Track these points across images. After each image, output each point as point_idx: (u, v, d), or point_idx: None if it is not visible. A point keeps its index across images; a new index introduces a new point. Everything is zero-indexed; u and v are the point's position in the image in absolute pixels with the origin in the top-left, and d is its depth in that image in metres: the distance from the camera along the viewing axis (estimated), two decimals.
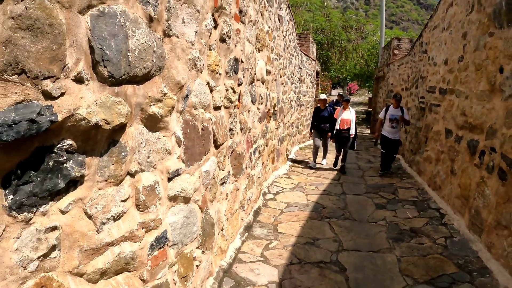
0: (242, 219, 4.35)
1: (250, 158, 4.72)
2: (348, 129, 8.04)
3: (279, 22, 6.78)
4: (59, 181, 1.41)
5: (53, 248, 1.41)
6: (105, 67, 1.51)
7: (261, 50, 5.01)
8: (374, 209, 5.63)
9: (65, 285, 1.48)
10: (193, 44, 2.40)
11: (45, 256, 1.38)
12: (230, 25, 3.23)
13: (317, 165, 8.74)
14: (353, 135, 8.13)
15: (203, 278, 2.91)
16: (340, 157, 8.37)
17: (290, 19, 8.62)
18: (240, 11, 3.60)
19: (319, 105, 8.99)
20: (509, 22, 3.91)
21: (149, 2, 1.80)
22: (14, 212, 1.25)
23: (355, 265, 3.81)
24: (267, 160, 6.42)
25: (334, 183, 7.17)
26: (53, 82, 1.27)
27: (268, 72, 5.65)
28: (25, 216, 1.29)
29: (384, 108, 8.11)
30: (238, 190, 4.07)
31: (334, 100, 13.78)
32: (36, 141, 1.29)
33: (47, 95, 1.26)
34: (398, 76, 12.14)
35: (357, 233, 4.66)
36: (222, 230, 3.46)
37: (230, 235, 3.80)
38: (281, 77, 7.42)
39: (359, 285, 3.44)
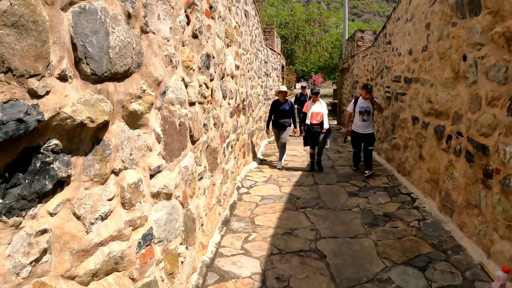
0: (219, 214, 4.36)
1: (224, 153, 4.72)
2: (321, 123, 7.43)
3: (246, 17, 6.79)
4: (47, 182, 1.38)
5: (44, 252, 1.38)
6: (87, 64, 1.48)
7: (230, 45, 5.01)
8: (347, 197, 5.79)
9: None
10: (168, 41, 2.38)
11: (37, 260, 1.35)
12: (202, 21, 3.22)
13: (275, 167, 7.98)
14: (325, 130, 7.50)
15: (188, 274, 2.91)
16: (316, 153, 7.70)
17: (255, 14, 8.65)
18: (211, 7, 3.59)
19: (277, 97, 8.21)
20: (471, 12, 4.10)
21: None
22: (4, 216, 1.22)
23: (334, 252, 3.92)
24: (238, 155, 6.45)
25: (305, 174, 7.30)
26: (39, 80, 1.24)
27: (237, 67, 5.66)
28: (15, 220, 1.26)
29: (353, 100, 7.53)
30: (214, 185, 4.08)
31: (298, 94, 13.48)
32: (23, 142, 1.25)
33: (33, 94, 1.23)
34: (363, 67, 12.39)
35: (333, 221, 4.79)
36: (202, 225, 3.46)
37: (210, 230, 3.81)
38: (248, 71, 7.44)
39: (340, 270, 3.55)
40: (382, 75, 9.16)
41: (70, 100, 1.41)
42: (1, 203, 1.20)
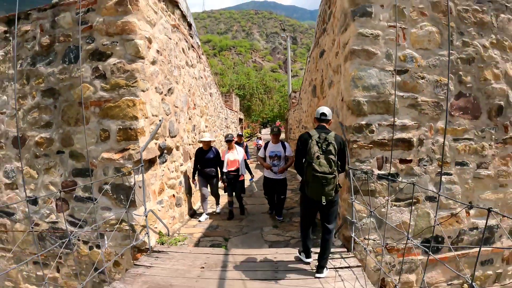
0: None
1: None
2: (237, 169, 7.49)
3: (211, 96, 11.96)
4: (164, 159, 6.29)
5: (163, 176, 6.25)
6: (171, 133, 6.47)
7: (202, 116, 10.08)
8: None
9: (165, 185, 6.31)
10: (184, 123, 7.39)
11: (160, 176, 6.22)
12: (191, 112, 8.27)
13: (209, 214, 8.00)
14: (243, 177, 7.61)
15: (188, 208, 7.76)
16: (235, 200, 7.96)
17: (216, 91, 13.87)
18: (195, 104, 8.67)
19: (201, 145, 7.76)
20: (314, 95, 9.13)
21: (176, 116, 6.80)
22: (172, 163, 6.12)
23: (248, 219, 8.72)
24: None
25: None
26: (166, 137, 6.21)
27: (206, 126, 10.72)
28: (161, 165, 6.15)
29: (263, 145, 7.42)
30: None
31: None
32: (161, 150, 6.16)
33: (165, 140, 6.18)
34: (294, 119, 17.51)
35: (256, 205, 9.63)
36: (193, 194, 8.32)
37: (197, 201, 8.67)
38: (213, 127, 12.52)
39: (248, 225, 8.16)
40: (300, 125, 14.35)
41: (170, 142, 6.37)
42: (163, 160, 6.09)
